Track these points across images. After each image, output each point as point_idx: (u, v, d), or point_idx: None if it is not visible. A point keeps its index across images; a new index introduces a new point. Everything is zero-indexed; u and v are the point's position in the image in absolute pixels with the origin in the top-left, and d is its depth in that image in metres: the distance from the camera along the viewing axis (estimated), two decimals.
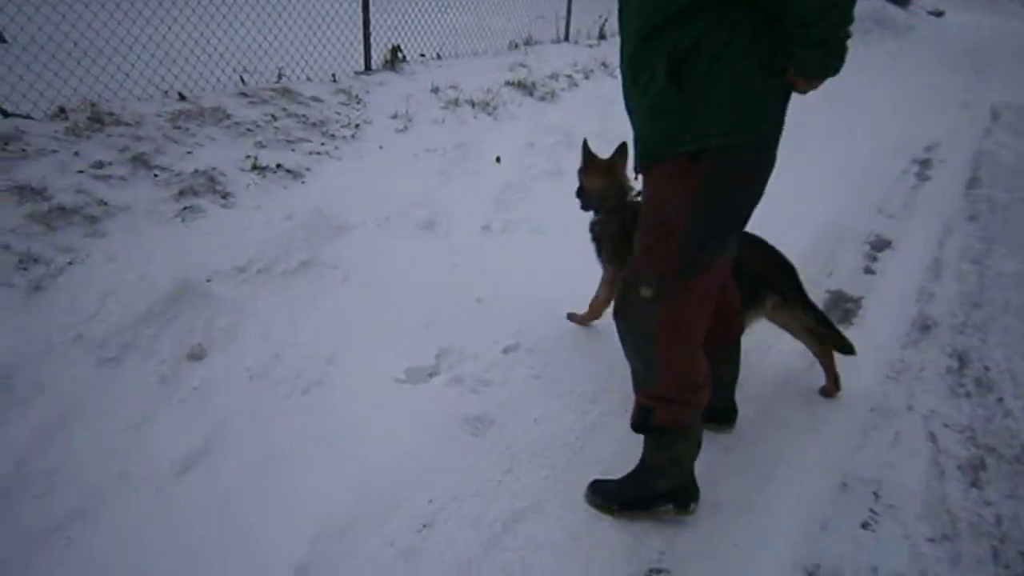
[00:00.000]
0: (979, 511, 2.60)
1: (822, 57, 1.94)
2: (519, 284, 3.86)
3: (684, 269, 2.12)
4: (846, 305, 4.07)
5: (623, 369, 2.39)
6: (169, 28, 5.52)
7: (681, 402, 2.28)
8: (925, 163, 7.37)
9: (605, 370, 3.24)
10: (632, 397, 2.41)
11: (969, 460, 2.85)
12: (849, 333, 3.77)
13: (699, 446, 2.41)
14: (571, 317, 3.63)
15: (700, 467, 2.70)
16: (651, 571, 2.29)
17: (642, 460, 2.46)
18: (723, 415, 2.87)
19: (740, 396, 2.99)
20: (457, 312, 3.60)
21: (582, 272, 3.54)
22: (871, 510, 2.59)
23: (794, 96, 2.15)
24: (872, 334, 3.75)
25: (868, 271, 4.61)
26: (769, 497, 2.62)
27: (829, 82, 2.08)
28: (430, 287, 3.77)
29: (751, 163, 2.10)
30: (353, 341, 3.28)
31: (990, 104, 10.53)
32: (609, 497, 2.49)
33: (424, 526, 2.41)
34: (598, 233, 3.34)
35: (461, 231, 4.41)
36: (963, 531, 2.50)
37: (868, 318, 3.94)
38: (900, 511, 2.59)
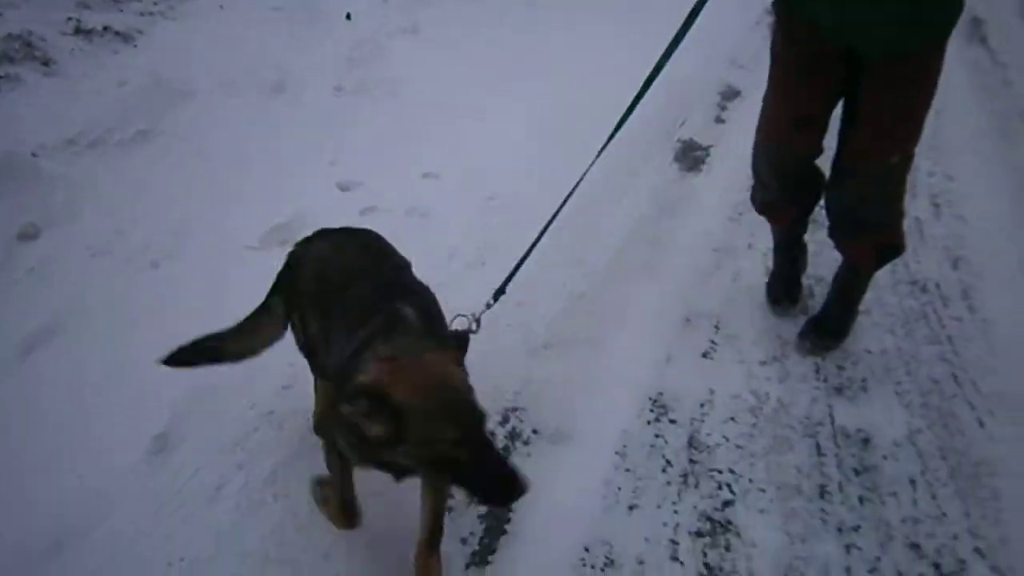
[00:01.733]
0: None
1: None
2: (373, 146, 3.78)
3: None
4: (695, 153, 4.21)
5: None
6: None
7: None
8: None
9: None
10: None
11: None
12: (697, 179, 3.94)
13: None
14: None
15: (555, 311, 2.82)
16: (507, 410, 2.42)
17: (854, 301, 2.80)
18: None
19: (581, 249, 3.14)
20: (310, 175, 3.52)
21: (438, 133, 3.51)
22: (711, 341, 2.79)
23: None
24: (718, 179, 3.91)
25: (718, 120, 4.75)
26: (619, 335, 2.77)
27: None
28: (281, 152, 3.66)
29: None
30: (202, 212, 3.17)
31: None
32: (837, 334, 2.77)
33: (284, 387, 2.44)
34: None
35: (312, 93, 4.24)
36: (790, 352, 2.73)
37: (715, 164, 4.09)
38: (737, 340, 2.80)
